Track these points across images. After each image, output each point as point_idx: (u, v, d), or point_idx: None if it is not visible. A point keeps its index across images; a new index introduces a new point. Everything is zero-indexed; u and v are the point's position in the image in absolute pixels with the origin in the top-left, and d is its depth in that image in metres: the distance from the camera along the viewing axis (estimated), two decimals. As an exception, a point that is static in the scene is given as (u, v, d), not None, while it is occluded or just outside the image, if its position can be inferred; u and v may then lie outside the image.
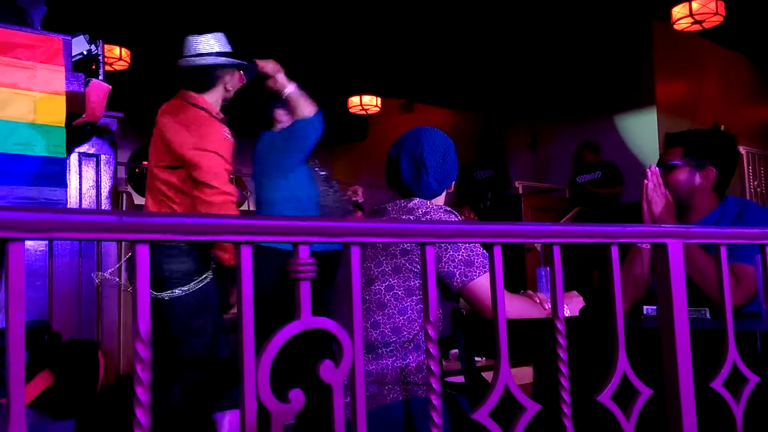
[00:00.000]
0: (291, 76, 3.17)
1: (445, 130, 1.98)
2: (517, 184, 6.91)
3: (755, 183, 7.17)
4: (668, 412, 1.07)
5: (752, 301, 1.88)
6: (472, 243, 1.72)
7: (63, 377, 2.26)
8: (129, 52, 6.22)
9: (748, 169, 7.16)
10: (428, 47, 6.78)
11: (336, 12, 5.90)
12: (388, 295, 1.72)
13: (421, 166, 1.85)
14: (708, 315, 1.71)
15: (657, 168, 2.10)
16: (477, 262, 1.73)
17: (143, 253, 0.70)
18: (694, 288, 1.86)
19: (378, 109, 8.43)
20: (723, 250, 1.20)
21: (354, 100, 8.19)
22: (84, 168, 3.07)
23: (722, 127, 7.06)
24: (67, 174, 2.94)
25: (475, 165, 7.60)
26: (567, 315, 1.83)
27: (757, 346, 1.27)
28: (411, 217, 1.78)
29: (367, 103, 8.23)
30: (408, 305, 1.72)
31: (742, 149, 7.05)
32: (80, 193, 3.02)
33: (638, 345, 1.22)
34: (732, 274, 1.86)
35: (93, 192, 3.14)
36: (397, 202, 1.86)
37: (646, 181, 2.06)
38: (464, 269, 1.72)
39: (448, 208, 1.83)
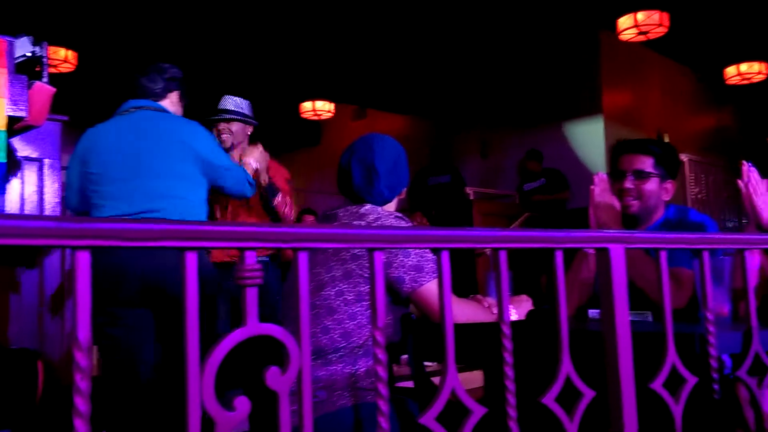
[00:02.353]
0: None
1: (397, 137, 2.00)
2: (468, 190, 6.99)
3: (696, 190, 7.40)
4: (611, 413, 1.10)
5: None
6: (420, 248, 1.73)
7: (2, 387, 2.19)
8: (75, 54, 6.07)
9: (690, 176, 7.38)
10: (381, 53, 6.81)
11: (289, 17, 5.88)
12: (338, 300, 1.72)
13: (373, 173, 1.86)
14: (651, 318, 1.75)
15: (604, 175, 2.14)
16: (427, 267, 1.74)
17: (84, 260, 0.69)
18: (639, 292, 1.91)
19: (331, 115, 8.42)
20: (663, 255, 1.23)
21: (306, 105, 8.15)
22: (27, 173, 2.99)
23: (665, 136, 7.28)
24: (9, 179, 2.85)
25: (429, 171, 7.66)
26: (515, 319, 1.86)
27: (695, 347, 1.31)
28: (362, 223, 1.79)
29: (320, 108, 8.20)
30: (358, 310, 1.72)
31: (684, 157, 7.27)
32: (22, 199, 2.94)
33: (583, 348, 1.24)
34: (674, 279, 1.91)
35: (35, 197, 3.06)
36: (348, 208, 1.87)
37: (592, 187, 2.10)
38: (414, 274, 1.73)
39: (399, 214, 1.84)
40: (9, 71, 3.25)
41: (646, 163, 2.11)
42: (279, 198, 3.26)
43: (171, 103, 2.78)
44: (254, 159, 3.05)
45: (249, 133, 3.48)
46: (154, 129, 2.58)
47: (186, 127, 2.62)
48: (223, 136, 3.38)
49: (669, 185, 2.13)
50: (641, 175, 2.10)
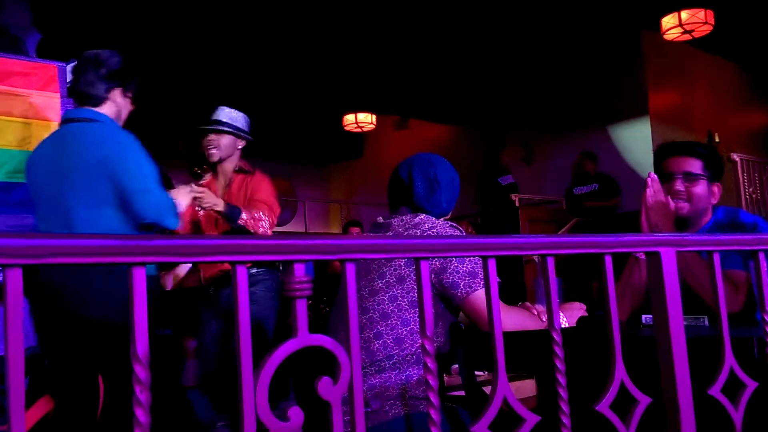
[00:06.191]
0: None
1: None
2: (513, 197, 6.93)
3: (750, 189, 7.19)
4: (667, 420, 1.07)
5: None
6: (467, 257, 1.73)
7: (63, 402, 2.25)
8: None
9: (743, 176, 7.18)
10: (422, 64, 6.83)
11: (331, 31, 5.95)
12: (392, 305, 1.74)
13: (436, 185, 1.93)
14: (706, 322, 1.71)
15: (656, 175, 2.09)
16: (481, 273, 1.74)
17: (140, 275, 0.71)
18: (694, 295, 1.86)
19: (373, 127, 8.46)
20: (716, 257, 1.20)
21: (349, 117, 8.22)
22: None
23: (716, 136, 7.10)
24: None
25: (495, 171, 7.63)
26: (565, 326, 1.84)
27: (754, 351, 1.28)
28: (417, 232, 1.83)
29: (362, 120, 8.26)
30: (411, 317, 1.73)
31: (735, 156, 7.08)
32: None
33: (637, 353, 1.22)
34: (730, 282, 1.86)
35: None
36: (402, 217, 1.90)
37: (646, 189, 2.06)
38: (468, 280, 1.74)
39: (453, 224, 1.88)
40: (61, 95, 3.37)
41: (695, 166, 2.09)
42: (245, 217, 3.03)
43: (114, 104, 2.50)
44: (182, 197, 2.63)
45: (240, 147, 3.30)
46: (78, 146, 2.36)
47: (108, 143, 2.37)
48: (211, 150, 3.22)
49: (716, 188, 2.10)
50: (691, 178, 2.07)
